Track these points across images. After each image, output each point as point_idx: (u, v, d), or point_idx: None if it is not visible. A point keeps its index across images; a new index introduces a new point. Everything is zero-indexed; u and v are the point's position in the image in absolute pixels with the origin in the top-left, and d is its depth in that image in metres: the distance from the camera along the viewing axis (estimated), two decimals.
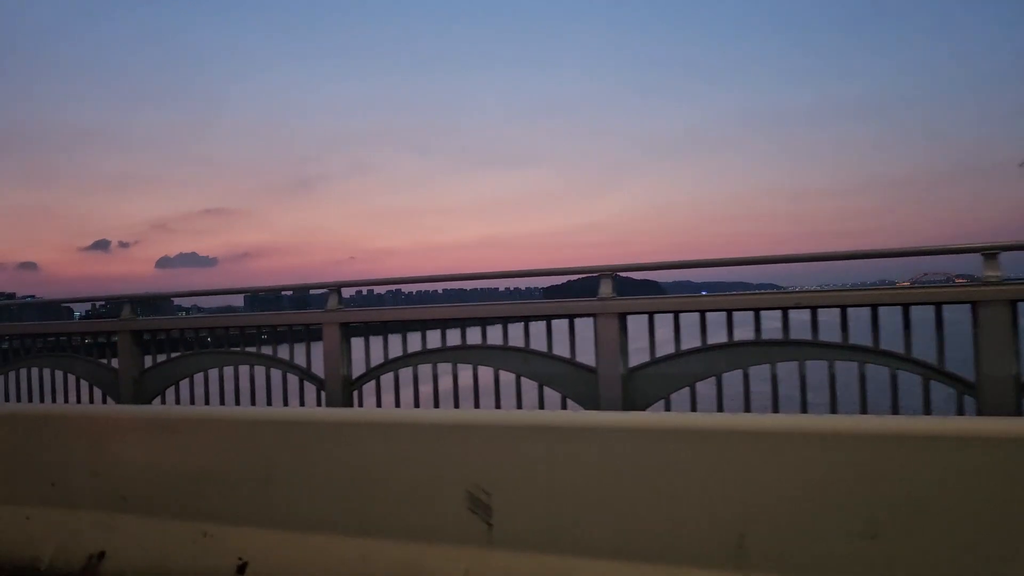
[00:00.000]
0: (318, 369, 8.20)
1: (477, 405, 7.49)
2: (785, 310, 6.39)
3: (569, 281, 10.51)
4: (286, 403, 8.34)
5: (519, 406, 7.32)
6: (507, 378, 7.45)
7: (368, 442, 3.52)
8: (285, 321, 8.49)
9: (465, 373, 7.70)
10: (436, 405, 7.63)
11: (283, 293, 13.02)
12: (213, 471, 3.79)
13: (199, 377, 8.78)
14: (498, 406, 7.41)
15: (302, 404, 8.30)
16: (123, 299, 9.27)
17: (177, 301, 11.90)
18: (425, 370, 7.80)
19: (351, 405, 7.98)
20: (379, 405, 7.94)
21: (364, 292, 13.53)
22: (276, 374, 8.33)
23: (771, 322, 6.52)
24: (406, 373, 7.80)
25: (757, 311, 6.49)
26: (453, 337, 7.71)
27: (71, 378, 9.48)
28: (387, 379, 8.03)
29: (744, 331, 6.60)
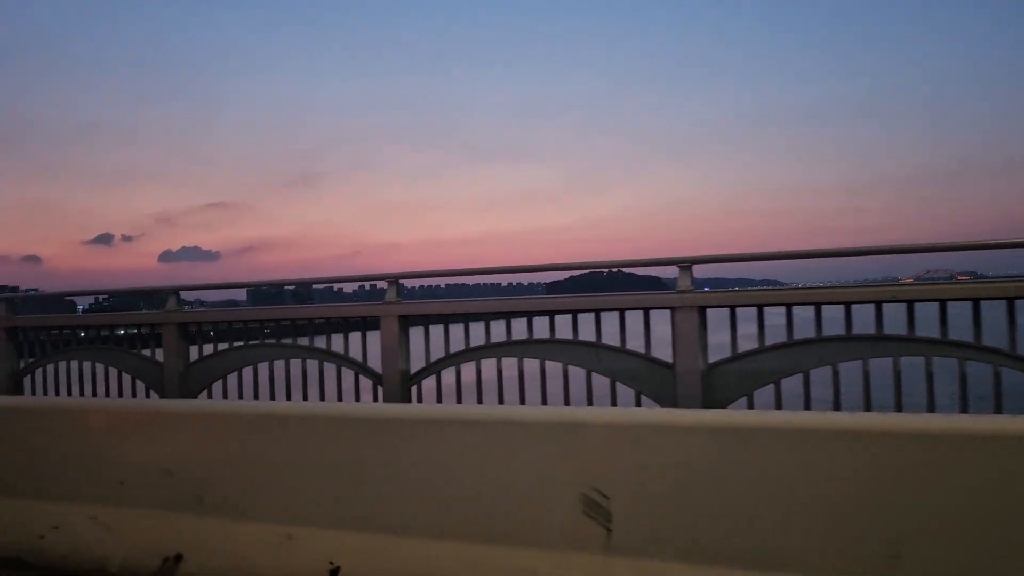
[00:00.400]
0: (374, 363, 7.95)
1: (544, 401, 7.23)
2: (879, 304, 6.12)
3: (571, 277, 10.41)
4: (340, 398, 8.09)
5: (589, 402, 7.06)
6: (572, 373, 7.21)
7: (465, 440, 3.27)
8: (342, 314, 8.23)
9: (529, 367, 7.45)
10: (500, 401, 7.36)
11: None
12: (298, 470, 3.54)
13: (247, 371, 8.54)
14: (567, 402, 7.15)
15: (357, 399, 8.05)
16: (167, 291, 9.03)
17: (194, 295, 11.68)
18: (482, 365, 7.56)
19: (409, 401, 7.72)
20: (439, 401, 7.68)
21: (367, 287, 12.85)
22: (314, 368, 8.10)
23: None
24: (467, 368, 7.55)
25: (848, 305, 6.21)
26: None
27: (106, 371, 9.25)
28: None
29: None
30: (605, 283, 10.87)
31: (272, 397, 8.41)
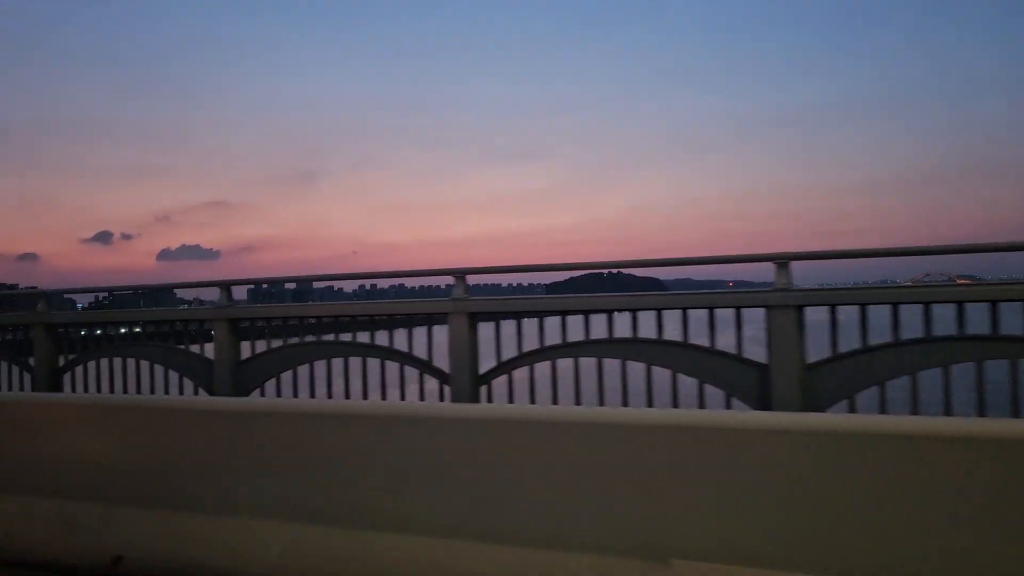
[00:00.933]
0: (439, 362, 7.63)
1: (626, 403, 6.91)
2: (994, 303, 5.80)
3: (572, 278, 10.13)
4: (403, 398, 7.77)
5: (675, 405, 6.74)
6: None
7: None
8: (409, 309, 7.90)
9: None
10: (577, 403, 7.04)
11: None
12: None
13: (302, 369, 8.22)
14: (650, 404, 6.83)
15: (422, 399, 7.72)
16: (221, 284, 8.70)
17: (192, 293, 11.41)
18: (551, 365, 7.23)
19: (478, 401, 7.39)
20: (511, 402, 7.36)
21: (368, 286, 12.30)
22: (375, 367, 7.79)
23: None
24: (540, 367, 7.23)
25: (961, 304, 5.90)
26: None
27: (151, 368, 8.92)
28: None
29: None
30: (606, 284, 10.59)
31: (329, 396, 8.09)
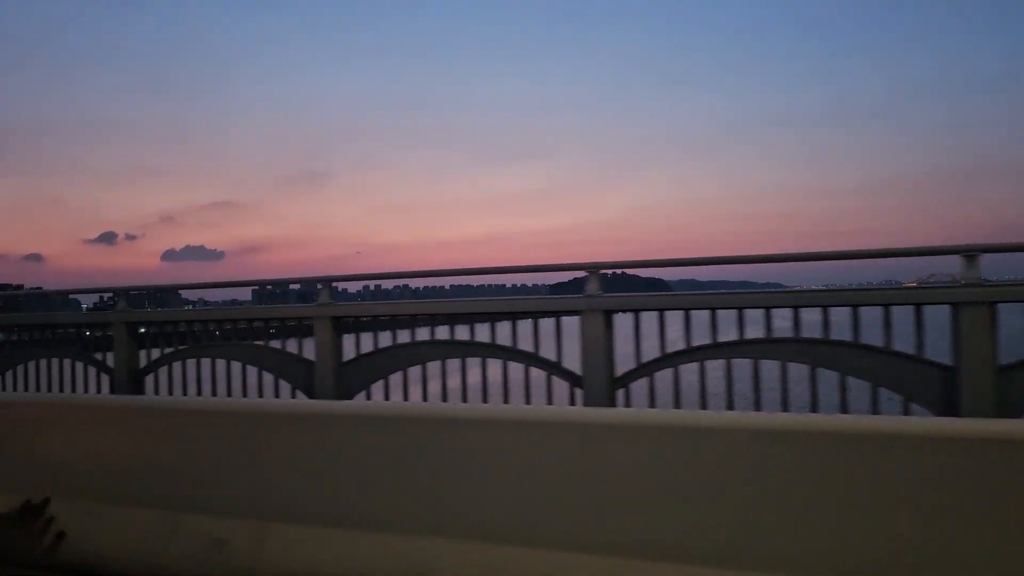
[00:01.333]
0: (570, 364, 7.12)
1: (786, 408, 6.38)
2: None
3: (575, 279, 10.07)
4: (528, 402, 7.24)
5: (843, 410, 6.21)
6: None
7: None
8: (537, 307, 7.40)
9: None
10: (729, 408, 6.52)
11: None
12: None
13: (412, 370, 7.71)
14: (814, 409, 6.30)
15: (550, 403, 7.19)
16: (320, 280, 8.21)
17: (198, 294, 11.13)
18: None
19: (614, 405, 6.87)
20: (652, 406, 6.83)
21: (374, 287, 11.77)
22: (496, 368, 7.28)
23: None
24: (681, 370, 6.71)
25: None
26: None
27: (244, 369, 8.43)
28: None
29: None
30: (609, 286, 10.17)
31: (444, 400, 7.59)
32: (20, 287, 15.30)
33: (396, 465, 2.32)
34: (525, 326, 7.37)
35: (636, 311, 6.97)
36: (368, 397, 7.92)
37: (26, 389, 9.34)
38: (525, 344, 7.28)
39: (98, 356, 9.34)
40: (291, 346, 8.35)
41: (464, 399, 7.51)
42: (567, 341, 7.28)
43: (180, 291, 11.03)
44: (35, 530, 2.48)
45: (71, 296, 11.18)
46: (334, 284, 8.24)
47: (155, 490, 2.36)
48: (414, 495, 2.21)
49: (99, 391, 9.17)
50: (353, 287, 10.34)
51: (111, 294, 12.13)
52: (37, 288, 13.36)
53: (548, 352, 7.23)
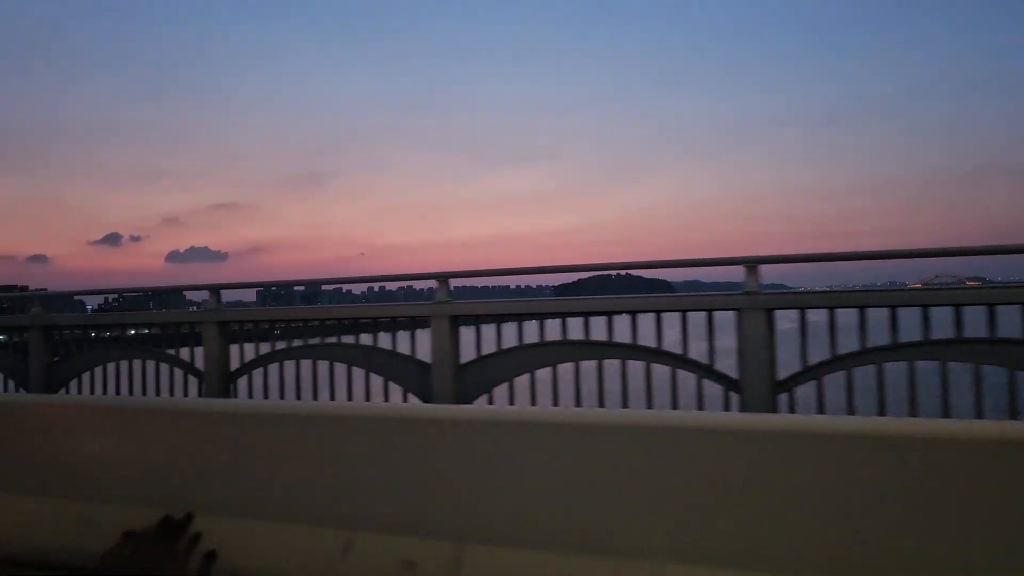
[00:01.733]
0: (724, 367, 6.58)
1: (947, 413, 5.83)
2: None
3: (580, 280, 10.01)
4: (675, 406, 6.69)
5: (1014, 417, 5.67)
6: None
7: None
8: (692, 306, 6.88)
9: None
10: (912, 414, 5.96)
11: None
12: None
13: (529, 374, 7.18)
14: (979, 415, 5.75)
15: (701, 408, 6.64)
16: (439, 276, 7.71)
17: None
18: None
19: (776, 411, 6.31)
20: (821, 411, 6.27)
21: (376, 288, 11.32)
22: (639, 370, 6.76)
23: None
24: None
25: None
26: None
27: (349, 371, 7.91)
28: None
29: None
30: (614, 286, 9.95)
31: (578, 403, 7.05)
32: (25, 288, 15.01)
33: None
34: (672, 323, 6.86)
35: (801, 308, 6.45)
36: (490, 401, 7.39)
37: (117, 392, 8.82)
38: (686, 347, 6.74)
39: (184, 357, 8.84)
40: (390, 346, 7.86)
41: (600, 405, 6.97)
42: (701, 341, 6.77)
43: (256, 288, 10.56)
44: (179, 549, 2.07)
45: (73, 295, 10.82)
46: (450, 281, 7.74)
47: (333, 509, 2.01)
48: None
49: (186, 394, 8.65)
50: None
51: (142, 294, 11.75)
52: (41, 289, 13.05)
53: (698, 353, 6.71)
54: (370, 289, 11.07)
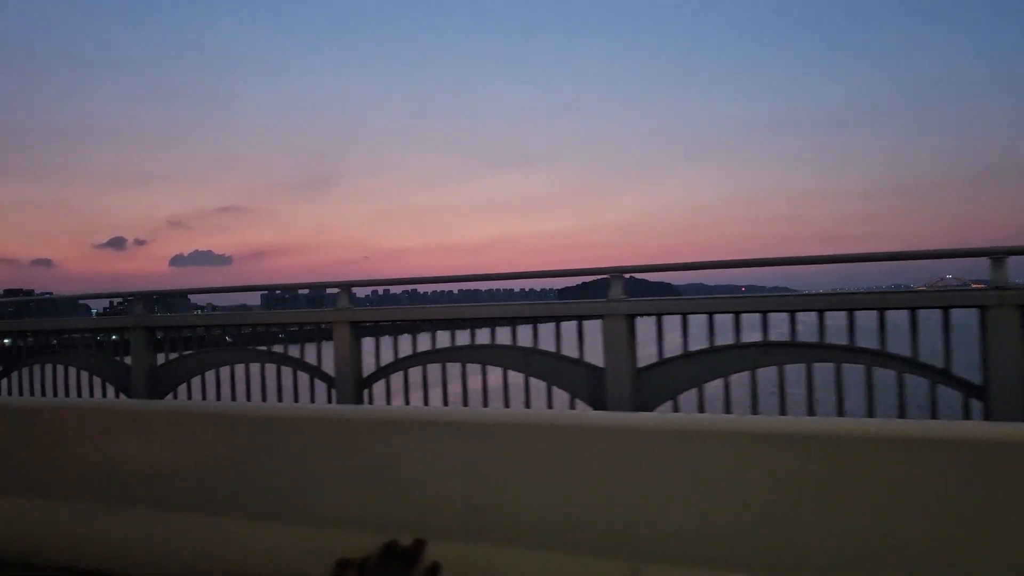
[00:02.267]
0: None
1: None
2: None
3: (584, 283, 9.72)
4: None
5: None
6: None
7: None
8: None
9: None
10: None
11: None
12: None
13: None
14: None
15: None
16: (611, 271, 7.02)
17: (206, 299, 10.66)
18: None
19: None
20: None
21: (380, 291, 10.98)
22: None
23: None
24: None
25: None
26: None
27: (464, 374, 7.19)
28: None
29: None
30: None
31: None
32: (30, 292, 14.77)
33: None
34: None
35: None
36: (676, 408, 6.66)
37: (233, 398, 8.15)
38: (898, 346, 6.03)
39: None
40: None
41: (810, 413, 6.24)
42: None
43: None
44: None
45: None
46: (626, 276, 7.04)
47: (564, 535, 2.00)
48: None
49: (312, 401, 7.96)
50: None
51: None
52: (47, 293, 12.64)
53: (930, 356, 5.99)
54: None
